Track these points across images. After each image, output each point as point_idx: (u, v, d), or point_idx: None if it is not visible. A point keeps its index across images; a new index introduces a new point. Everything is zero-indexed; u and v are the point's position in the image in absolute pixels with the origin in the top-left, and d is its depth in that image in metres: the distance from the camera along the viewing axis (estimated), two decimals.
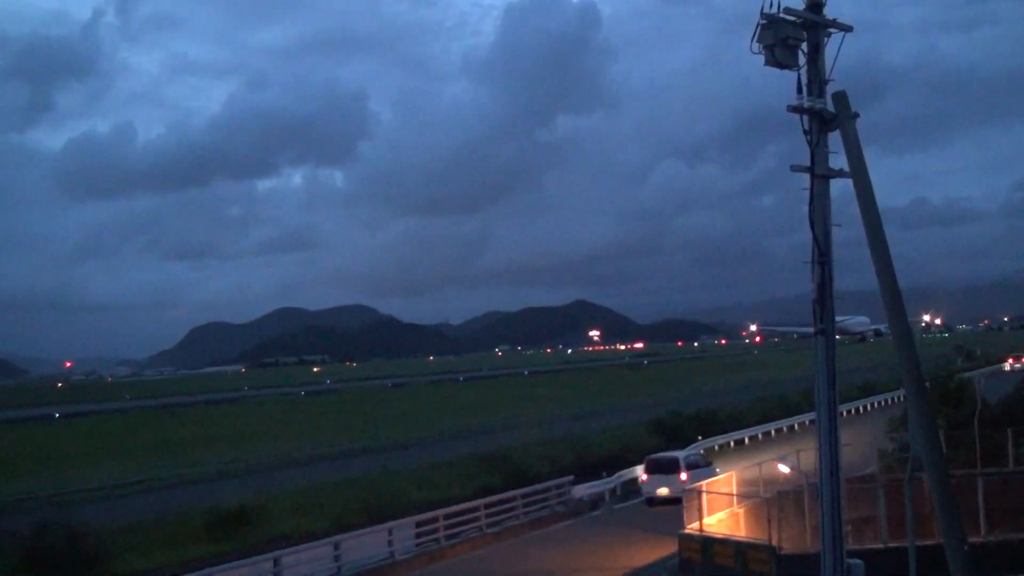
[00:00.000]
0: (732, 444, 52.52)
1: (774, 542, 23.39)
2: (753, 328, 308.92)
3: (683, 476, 35.02)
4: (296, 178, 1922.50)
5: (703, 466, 36.86)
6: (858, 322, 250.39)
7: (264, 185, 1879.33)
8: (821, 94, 11.70)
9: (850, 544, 18.42)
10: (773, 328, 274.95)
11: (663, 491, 35.50)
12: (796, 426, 58.12)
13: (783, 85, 11.68)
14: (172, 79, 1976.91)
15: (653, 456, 38.85)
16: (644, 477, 37.78)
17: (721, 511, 26.82)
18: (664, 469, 36.58)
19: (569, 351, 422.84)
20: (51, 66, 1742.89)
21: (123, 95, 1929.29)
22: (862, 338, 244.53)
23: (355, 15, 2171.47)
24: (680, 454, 38.72)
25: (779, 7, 11.43)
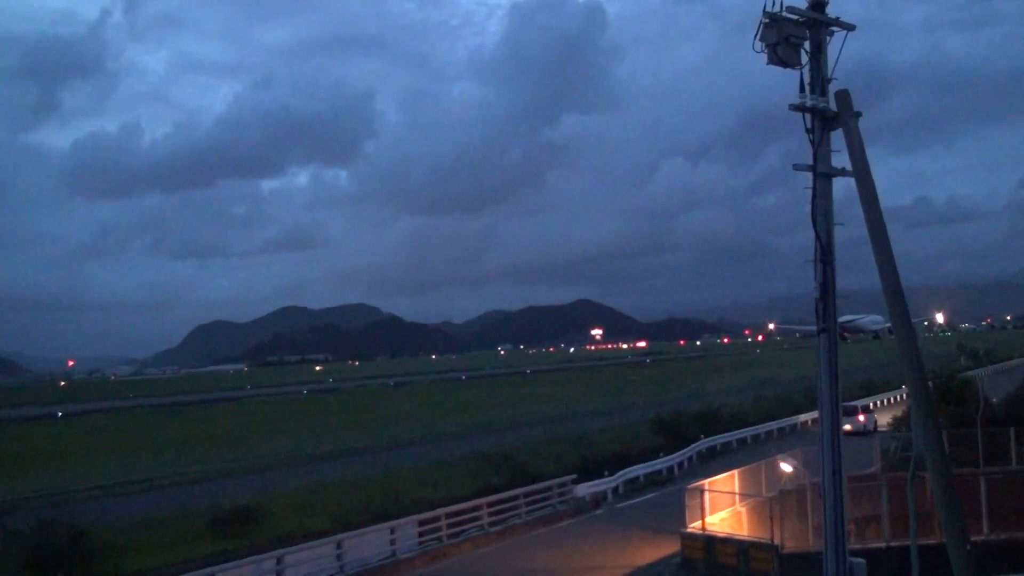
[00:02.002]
0: (735, 443, 52.51)
1: (776, 541, 23.40)
2: (771, 327, 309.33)
3: (861, 417, 52.36)
4: (301, 177, 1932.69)
5: (870, 412, 55.16)
6: (872, 320, 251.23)
7: (269, 184, 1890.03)
8: (823, 93, 11.69)
9: (852, 543, 18.45)
10: (790, 326, 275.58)
11: (847, 427, 44.59)
12: (798, 425, 58.16)
13: (788, 84, 11.69)
14: (179, 78, 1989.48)
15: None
16: None
17: (723, 510, 26.84)
18: (847, 412, 50.23)
19: (571, 350, 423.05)
20: (59, 66, 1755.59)
21: (130, 94, 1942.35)
22: (876, 336, 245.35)
23: (361, 15, 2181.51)
24: (858, 403, 56.89)
25: (782, 6, 11.43)
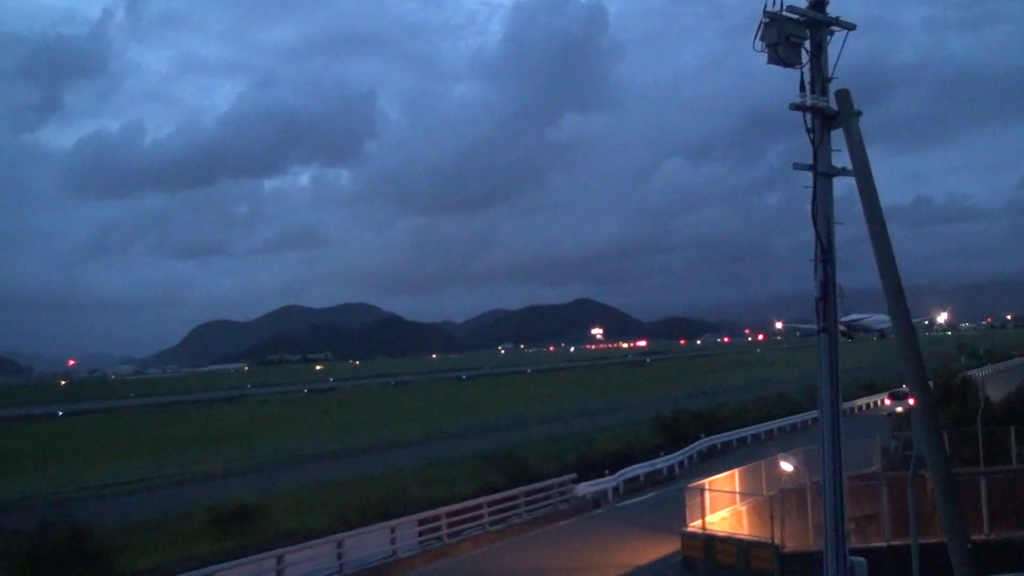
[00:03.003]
0: (735, 442, 52.51)
1: (777, 540, 23.38)
2: (779, 325, 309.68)
3: (911, 401, 53.73)
4: (303, 177, 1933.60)
5: None
6: (877, 320, 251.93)
7: (271, 184, 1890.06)
8: (824, 92, 11.69)
9: (853, 542, 18.43)
10: (798, 325, 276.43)
11: (899, 409, 53.27)
12: (799, 424, 58.16)
13: (789, 84, 11.67)
14: (181, 78, 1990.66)
15: (893, 391, 62.40)
16: (888, 402, 60.30)
17: (724, 509, 26.84)
18: (900, 397, 57.40)
19: (572, 349, 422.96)
20: (61, 65, 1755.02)
21: (133, 94, 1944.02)
22: (881, 335, 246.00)
23: (364, 14, 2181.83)
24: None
25: (782, 5, 11.42)
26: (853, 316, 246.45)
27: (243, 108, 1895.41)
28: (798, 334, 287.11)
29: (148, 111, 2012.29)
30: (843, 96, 11.47)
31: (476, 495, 34.28)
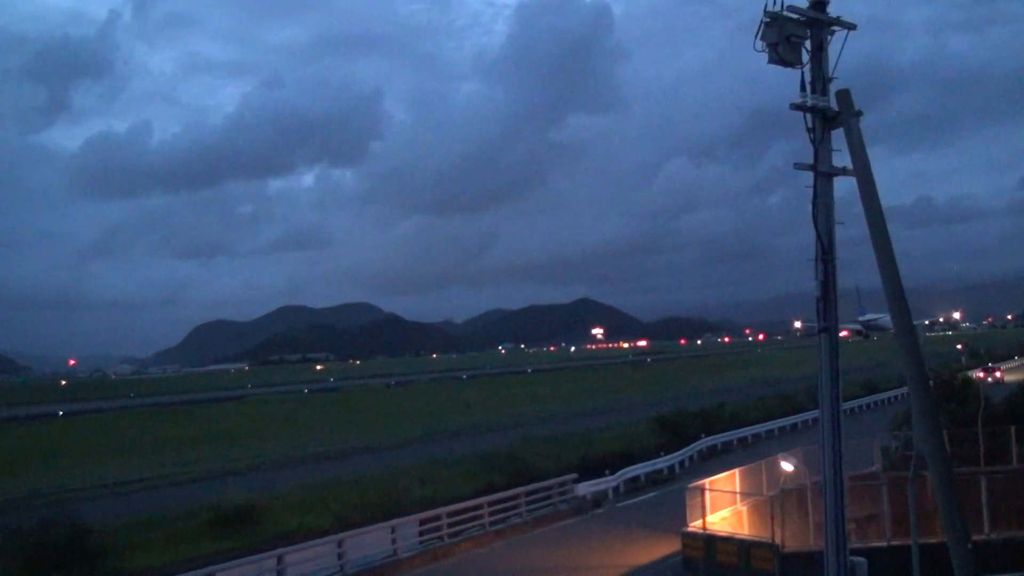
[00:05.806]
0: (736, 442, 52.50)
1: (777, 540, 23.37)
2: (798, 325, 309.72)
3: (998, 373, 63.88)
4: (308, 177, 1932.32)
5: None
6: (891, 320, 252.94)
7: (276, 184, 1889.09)
8: (824, 92, 11.70)
9: (853, 542, 18.44)
10: (813, 324, 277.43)
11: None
12: (799, 424, 58.13)
13: (792, 84, 11.69)
14: (187, 78, 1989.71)
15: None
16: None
17: (724, 509, 26.83)
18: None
19: (572, 349, 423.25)
20: (68, 66, 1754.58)
21: (139, 95, 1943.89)
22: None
23: (369, 15, 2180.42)
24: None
25: (782, 5, 11.43)
26: (869, 316, 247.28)
27: (249, 108, 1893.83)
28: (798, 334, 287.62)
29: (154, 112, 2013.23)
30: (844, 96, 11.49)
31: (476, 495, 34.23)
